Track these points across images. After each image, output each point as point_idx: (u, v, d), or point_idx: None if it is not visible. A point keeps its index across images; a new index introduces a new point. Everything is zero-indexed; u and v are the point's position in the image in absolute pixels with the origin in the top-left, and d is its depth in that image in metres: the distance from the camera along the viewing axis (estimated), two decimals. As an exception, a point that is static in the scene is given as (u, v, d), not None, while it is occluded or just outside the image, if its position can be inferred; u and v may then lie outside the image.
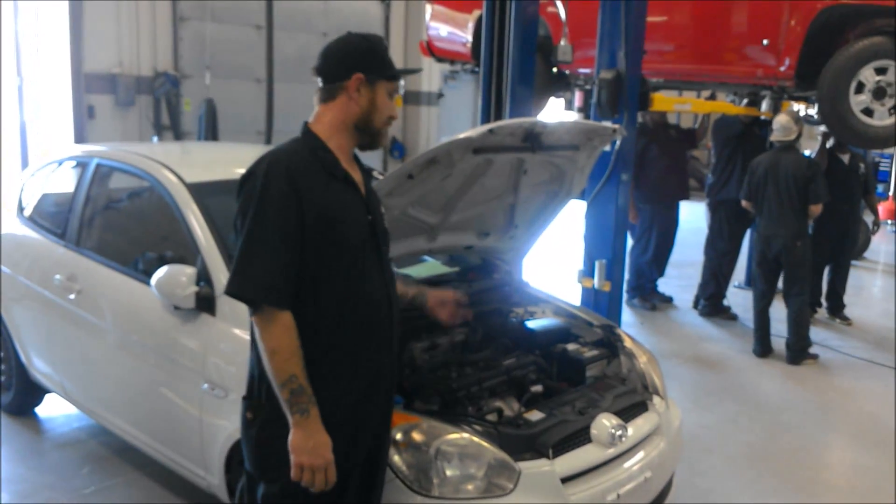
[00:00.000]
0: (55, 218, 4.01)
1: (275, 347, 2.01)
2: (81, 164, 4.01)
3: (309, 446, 2.01)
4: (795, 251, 5.76)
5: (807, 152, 6.90)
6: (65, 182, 4.15)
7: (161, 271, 2.95)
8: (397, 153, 13.16)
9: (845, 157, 6.87)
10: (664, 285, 7.51)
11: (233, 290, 2.07)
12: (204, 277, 2.97)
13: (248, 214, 2.04)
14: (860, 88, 4.54)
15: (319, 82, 2.19)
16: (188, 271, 2.94)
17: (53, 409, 4.36)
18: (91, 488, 3.61)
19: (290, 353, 2.01)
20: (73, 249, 3.74)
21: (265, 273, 2.02)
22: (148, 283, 3.02)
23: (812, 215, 5.76)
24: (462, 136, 2.58)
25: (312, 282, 2.08)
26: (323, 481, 2.04)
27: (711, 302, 7.03)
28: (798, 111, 6.48)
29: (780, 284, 6.01)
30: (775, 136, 5.85)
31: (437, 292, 2.82)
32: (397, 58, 13.44)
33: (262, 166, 2.08)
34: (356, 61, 2.15)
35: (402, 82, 2.28)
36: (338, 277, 2.10)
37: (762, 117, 6.83)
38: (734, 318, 6.94)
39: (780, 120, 5.83)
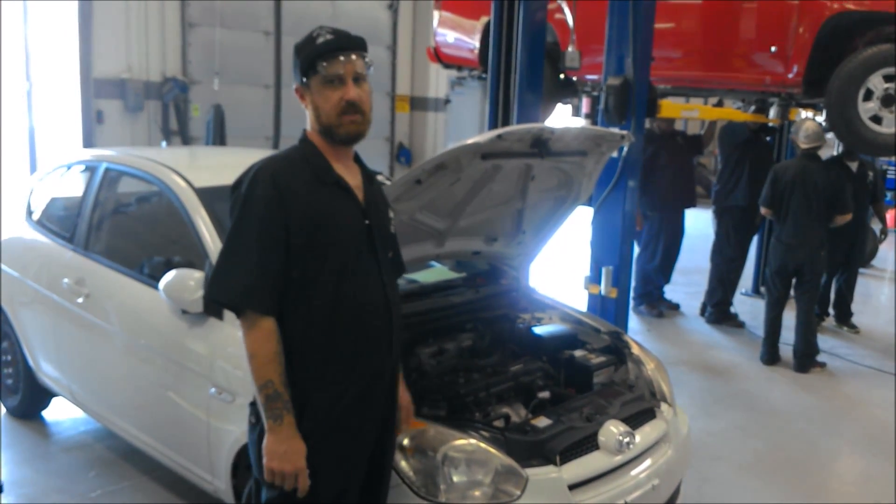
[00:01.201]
0: (64, 222, 4.03)
1: (253, 352, 2.02)
2: (90, 169, 4.03)
3: (280, 451, 2.01)
4: (818, 260, 5.71)
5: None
6: (73, 186, 4.16)
7: (169, 275, 2.96)
8: (404, 159, 13.16)
9: (853, 165, 6.84)
10: (671, 292, 7.49)
11: (213, 296, 2.08)
12: (212, 282, 2.97)
13: (232, 220, 2.07)
14: (868, 96, 4.53)
15: None
16: (196, 275, 2.94)
17: (60, 412, 4.37)
18: (97, 492, 3.61)
19: (268, 359, 2.01)
20: (82, 253, 3.75)
21: (246, 277, 2.02)
22: (156, 288, 3.03)
23: (837, 224, 5.72)
24: (471, 141, 2.58)
25: (301, 284, 2.08)
26: (293, 487, 2.04)
27: (718, 309, 7.00)
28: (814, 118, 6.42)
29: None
30: (805, 143, 5.73)
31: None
32: (404, 62, 13.47)
33: (250, 174, 2.10)
34: (293, 75, 2.19)
35: (367, 61, 2.16)
36: (328, 280, 2.09)
37: (769, 124, 6.82)
38: (741, 325, 6.92)
39: (810, 126, 5.73)
